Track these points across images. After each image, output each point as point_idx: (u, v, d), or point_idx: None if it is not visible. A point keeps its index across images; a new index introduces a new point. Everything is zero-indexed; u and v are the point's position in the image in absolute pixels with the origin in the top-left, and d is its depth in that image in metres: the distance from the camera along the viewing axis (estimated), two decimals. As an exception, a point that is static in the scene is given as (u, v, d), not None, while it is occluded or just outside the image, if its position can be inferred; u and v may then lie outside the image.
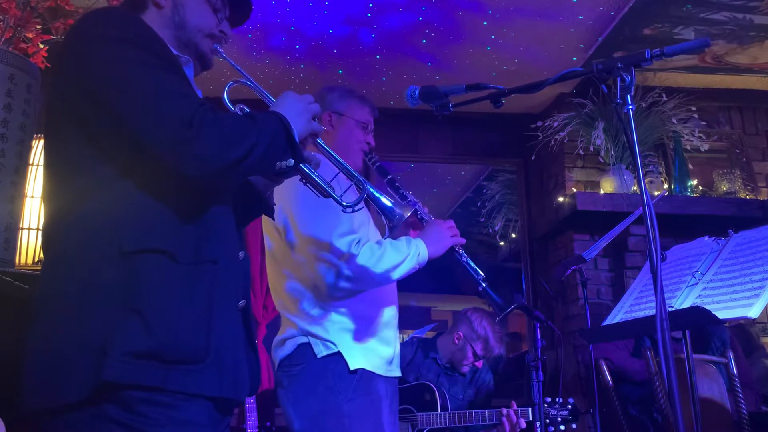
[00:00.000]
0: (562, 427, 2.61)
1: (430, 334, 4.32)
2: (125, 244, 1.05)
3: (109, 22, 1.14)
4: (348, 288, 1.82)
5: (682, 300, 1.51)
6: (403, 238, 1.87)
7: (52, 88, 1.15)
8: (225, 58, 1.36)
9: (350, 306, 1.89)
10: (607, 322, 1.77)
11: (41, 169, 1.81)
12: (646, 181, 3.63)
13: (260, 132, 1.14)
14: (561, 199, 3.69)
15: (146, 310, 1.02)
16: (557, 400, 2.64)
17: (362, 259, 1.78)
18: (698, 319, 1.43)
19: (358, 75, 3.77)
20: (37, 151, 1.76)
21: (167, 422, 1.01)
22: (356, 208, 1.40)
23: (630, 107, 1.35)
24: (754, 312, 1.32)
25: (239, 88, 1.37)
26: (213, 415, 1.09)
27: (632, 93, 1.36)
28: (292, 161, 1.21)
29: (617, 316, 1.73)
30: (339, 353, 1.84)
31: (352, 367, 1.83)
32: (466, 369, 2.99)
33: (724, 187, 3.71)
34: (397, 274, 1.82)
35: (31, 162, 1.71)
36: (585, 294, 2.34)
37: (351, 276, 1.79)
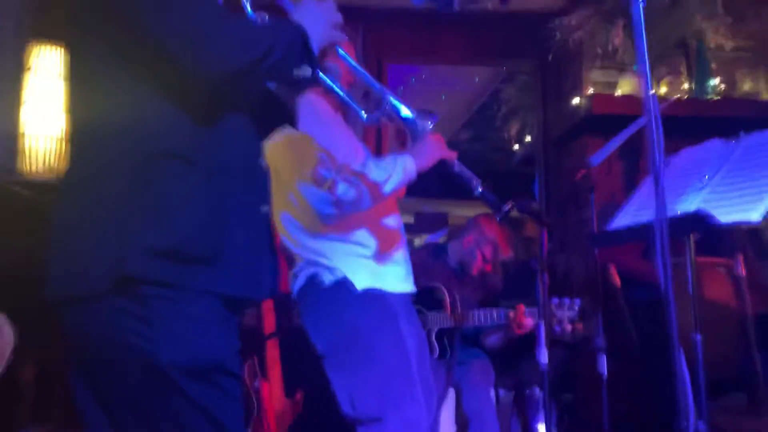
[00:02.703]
0: (569, 327, 2.68)
1: (444, 239, 4.37)
2: (148, 148, 1.09)
3: None
4: (339, 213, 1.87)
5: (688, 204, 1.50)
6: (388, 156, 1.91)
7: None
8: None
9: (348, 232, 1.97)
10: (611, 227, 1.77)
11: (37, 76, 1.82)
12: (665, 81, 3.54)
13: (276, 38, 1.16)
14: (577, 101, 3.60)
15: (165, 211, 1.08)
16: (564, 300, 2.70)
17: (345, 183, 1.83)
18: (700, 223, 1.42)
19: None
20: (31, 56, 1.74)
21: (174, 316, 1.07)
22: (376, 115, 1.41)
23: (641, 2, 1.30)
24: (755, 216, 1.31)
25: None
26: (221, 312, 1.15)
27: (643, -13, 1.29)
28: (310, 70, 1.22)
29: (622, 220, 1.73)
30: (345, 277, 1.93)
31: (359, 287, 1.92)
32: (476, 272, 3.04)
33: (746, 87, 3.58)
34: (386, 189, 1.86)
35: (28, 67, 1.69)
36: (592, 199, 2.32)
37: (338, 200, 1.84)
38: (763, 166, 1.39)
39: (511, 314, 2.75)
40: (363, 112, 1.39)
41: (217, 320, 1.13)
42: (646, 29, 1.34)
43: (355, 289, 1.93)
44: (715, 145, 1.63)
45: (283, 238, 2.08)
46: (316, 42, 1.25)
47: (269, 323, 3.09)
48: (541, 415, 2.36)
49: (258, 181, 1.27)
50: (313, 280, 1.99)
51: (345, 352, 1.94)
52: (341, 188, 1.84)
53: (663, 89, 3.49)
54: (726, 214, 1.36)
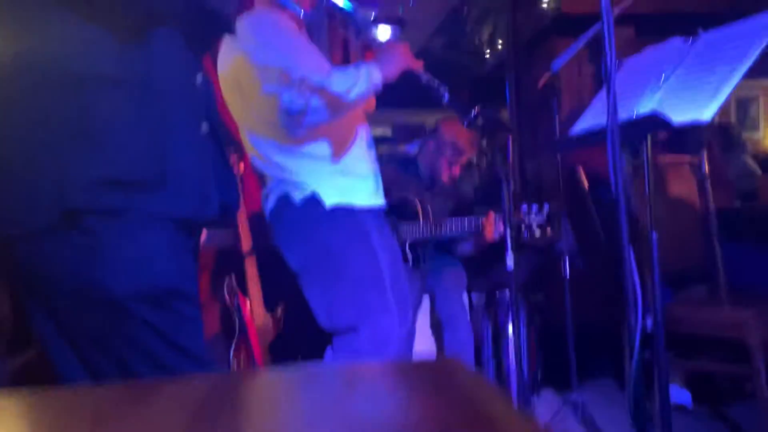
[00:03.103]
0: (537, 232, 2.74)
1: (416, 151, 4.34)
2: (74, 71, 1.05)
3: None
4: (304, 123, 1.86)
5: (645, 105, 1.51)
6: (352, 65, 1.89)
7: None
8: None
9: (313, 146, 1.97)
10: (572, 132, 1.78)
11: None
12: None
13: None
14: (545, 2, 3.52)
15: (101, 137, 1.05)
16: (533, 206, 2.75)
17: (290, 94, 1.80)
18: (655, 124, 1.43)
19: None
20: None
21: (123, 245, 1.08)
22: (316, 14, 1.36)
23: None
24: (706, 115, 1.32)
25: None
26: (173, 236, 1.14)
27: None
28: None
29: (583, 124, 1.74)
30: (314, 193, 1.95)
31: (328, 204, 1.94)
32: (445, 178, 3.05)
33: (718, -21, 3.51)
34: (349, 99, 1.85)
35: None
36: (554, 105, 2.31)
37: (302, 110, 1.82)
38: (716, 63, 1.39)
39: (483, 221, 2.80)
40: (302, 10, 1.33)
41: (169, 245, 1.13)
42: None
43: (325, 206, 1.96)
44: (674, 43, 1.61)
45: (252, 157, 2.08)
46: None
47: (246, 242, 3.12)
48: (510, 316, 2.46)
49: (195, 99, 1.23)
50: (283, 200, 2.01)
51: (318, 268, 1.99)
52: (285, 98, 1.82)
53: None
54: (679, 114, 1.37)
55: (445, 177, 3.04)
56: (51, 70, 1.06)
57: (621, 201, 1.22)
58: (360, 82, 1.86)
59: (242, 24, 1.93)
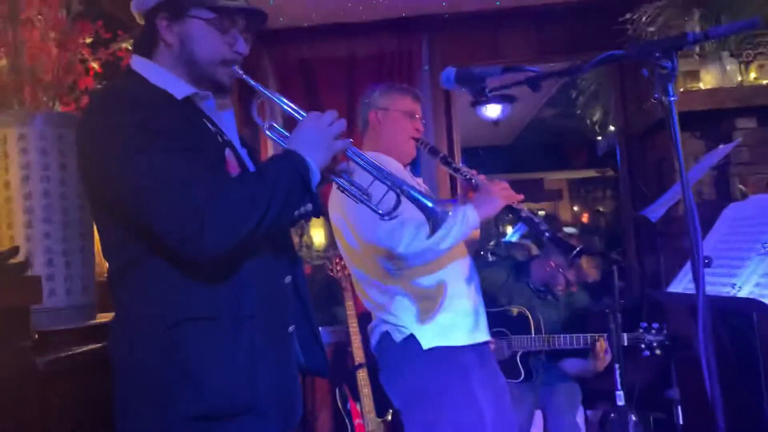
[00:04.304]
0: (658, 352, 2.60)
1: (523, 255, 4.26)
2: (167, 318, 1.15)
3: (107, 106, 1.18)
4: (404, 267, 1.93)
5: (748, 275, 1.41)
6: (451, 210, 1.93)
7: (80, 171, 1.25)
8: (246, 79, 1.33)
9: (414, 288, 2.00)
10: (671, 288, 1.70)
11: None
12: (754, 65, 3.25)
13: (273, 191, 1.14)
14: (655, 98, 3.40)
15: (195, 375, 1.14)
16: (653, 325, 2.61)
17: (407, 240, 1.87)
18: (755, 308, 1.34)
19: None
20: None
21: None
22: (393, 214, 1.41)
23: (672, 98, 1.24)
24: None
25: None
26: None
27: (674, 80, 1.23)
28: (311, 206, 1.22)
29: (679, 285, 1.66)
30: (412, 335, 1.98)
31: (425, 347, 1.97)
32: (560, 292, 2.98)
33: None
34: (446, 244, 1.90)
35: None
36: (657, 245, 2.19)
37: (402, 257, 1.90)
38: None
39: (597, 345, 2.69)
40: (380, 212, 1.39)
41: None
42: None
43: (422, 347, 1.98)
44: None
45: (360, 295, 2.18)
46: (319, 164, 1.22)
47: (358, 354, 3.20)
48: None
49: (282, 305, 1.29)
50: (385, 338, 2.07)
51: (417, 410, 2.01)
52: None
53: (752, 74, 3.23)
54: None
55: (561, 292, 2.96)
56: (147, 312, 1.17)
57: (717, 403, 1.13)
58: (455, 230, 1.89)
59: (331, 200, 2.08)
